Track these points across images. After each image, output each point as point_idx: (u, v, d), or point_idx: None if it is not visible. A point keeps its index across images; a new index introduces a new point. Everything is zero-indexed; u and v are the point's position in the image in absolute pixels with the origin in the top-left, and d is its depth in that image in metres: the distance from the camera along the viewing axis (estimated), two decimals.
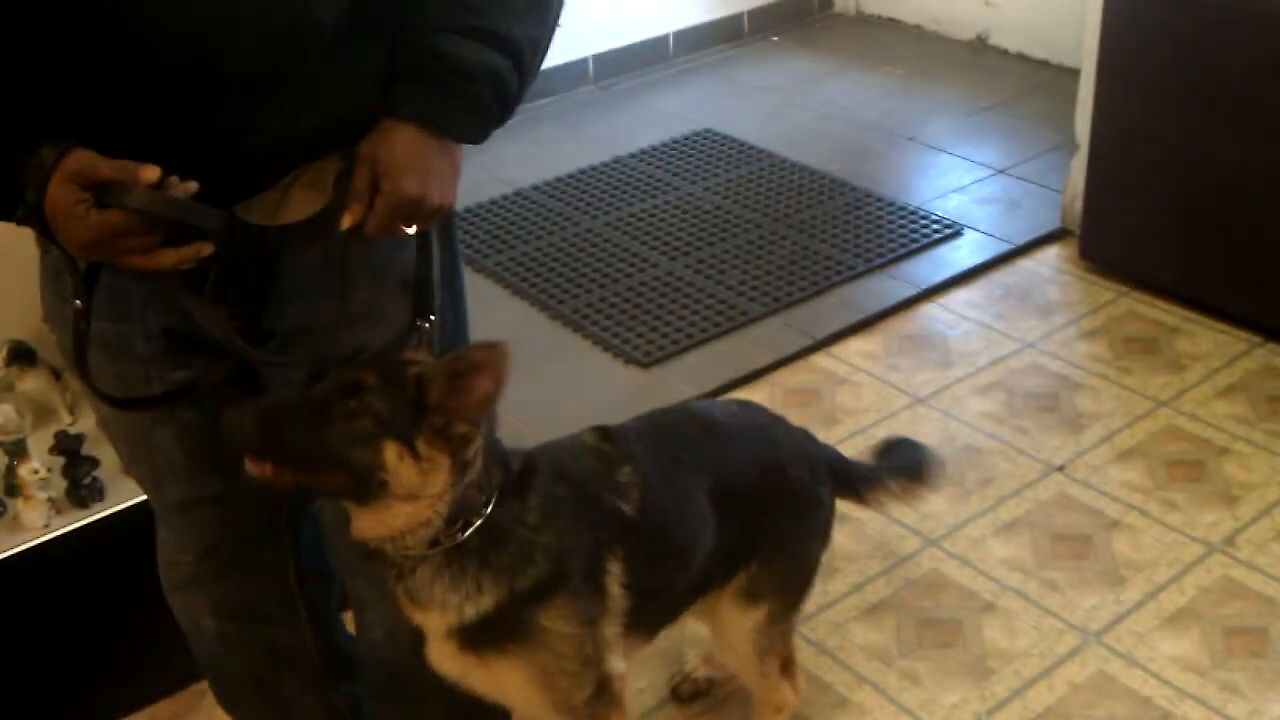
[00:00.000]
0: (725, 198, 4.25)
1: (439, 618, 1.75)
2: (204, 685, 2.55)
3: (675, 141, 4.68)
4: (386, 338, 1.66)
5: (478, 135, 1.56)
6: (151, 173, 1.33)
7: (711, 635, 2.25)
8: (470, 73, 1.49)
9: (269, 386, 1.71)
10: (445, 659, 1.81)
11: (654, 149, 4.63)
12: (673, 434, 2.04)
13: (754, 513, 2.09)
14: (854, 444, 3.09)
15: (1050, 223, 3.94)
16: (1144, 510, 2.83)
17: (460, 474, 1.66)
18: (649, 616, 1.95)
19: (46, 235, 1.39)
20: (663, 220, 4.14)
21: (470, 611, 1.74)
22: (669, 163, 4.52)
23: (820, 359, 3.45)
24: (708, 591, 2.10)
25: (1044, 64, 5.12)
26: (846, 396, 3.29)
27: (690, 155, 4.57)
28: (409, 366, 1.62)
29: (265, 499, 1.85)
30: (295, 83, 1.43)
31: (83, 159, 1.34)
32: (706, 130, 4.75)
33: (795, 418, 3.17)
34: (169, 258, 1.40)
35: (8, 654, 2.33)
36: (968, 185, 4.27)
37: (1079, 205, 3.73)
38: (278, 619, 1.99)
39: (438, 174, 1.53)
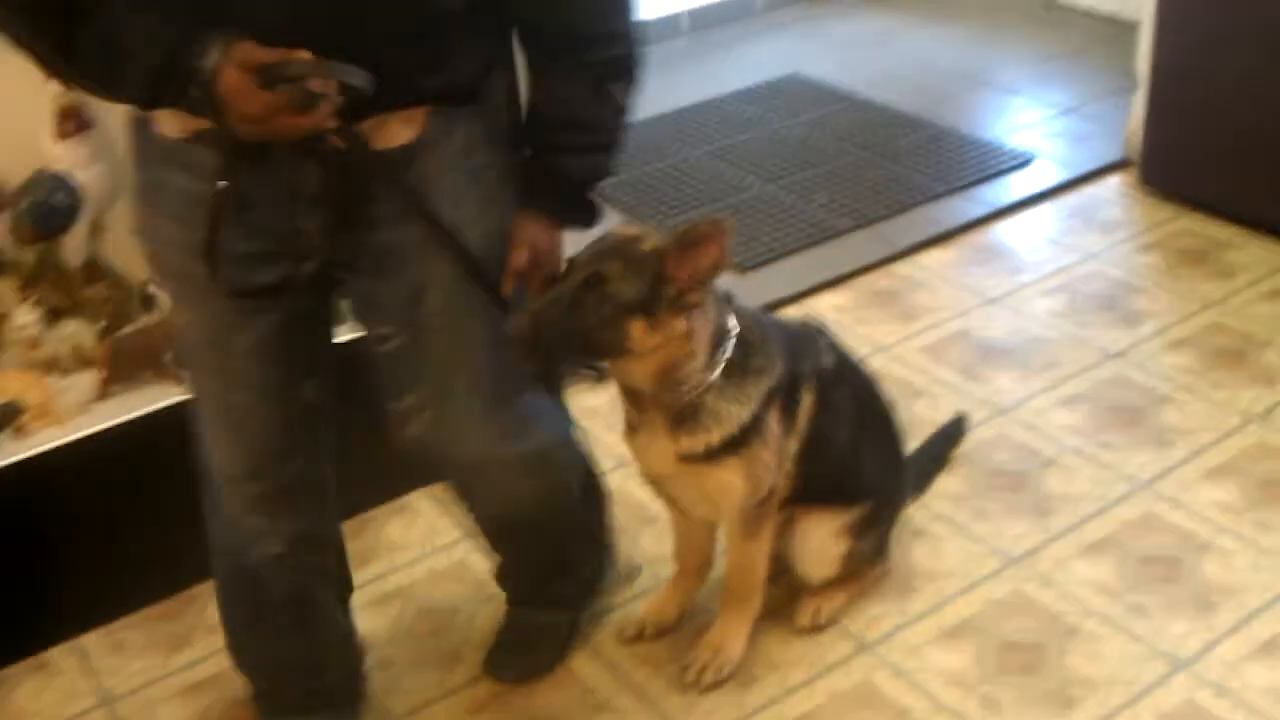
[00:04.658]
0: (813, 131, 4.63)
1: (706, 436, 2.07)
2: (194, 591, 2.73)
3: (764, 85, 5.05)
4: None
5: (589, 224, 1.99)
6: (304, 55, 1.59)
7: (799, 555, 2.45)
8: (585, 184, 1.95)
9: (349, 294, 1.98)
10: (670, 464, 2.14)
11: (745, 91, 5.01)
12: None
13: (886, 457, 2.52)
14: (931, 334, 3.48)
15: (1114, 154, 4.28)
16: (1191, 389, 3.18)
17: (702, 325, 1.99)
18: (807, 465, 2.26)
19: (211, 115, 1.62)
20: (756, 150, 4.52)
21: (746, 415, 2.07)
22: (759, 102, 4.90)
23: (901, 266, 3.83)
24: (832, 501, 2.37)
25: (1111, 19, 5.41)
26: (924, 297, 3.66)
27: (779, 96, 4.95)
28: (642, 243, 1.94)
29: (315, 409, 2.05)
30: (414, 56, 1.73)
31: (248, 48, 1.58)
32: (793, 74, 5.12)
33: (877, 315, 3.59)
34: (318, 117, 1.62)
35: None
36: (1037, 123, 4.62)
37: (1140, 137, 4.08)
38: (326, 540, 2.26)
39: (558, 244, 1.99)
